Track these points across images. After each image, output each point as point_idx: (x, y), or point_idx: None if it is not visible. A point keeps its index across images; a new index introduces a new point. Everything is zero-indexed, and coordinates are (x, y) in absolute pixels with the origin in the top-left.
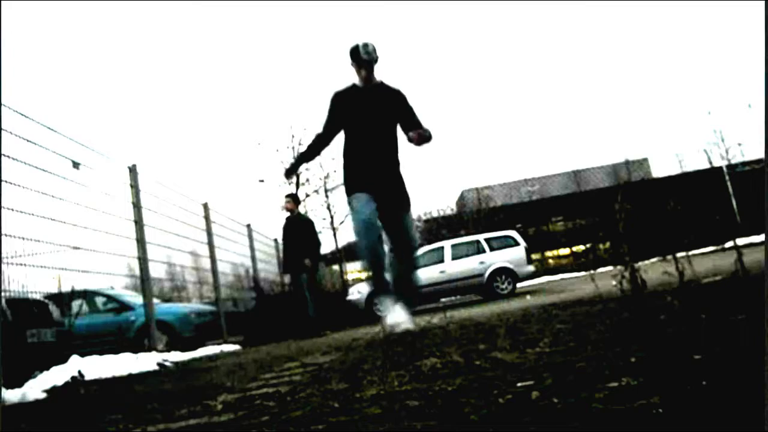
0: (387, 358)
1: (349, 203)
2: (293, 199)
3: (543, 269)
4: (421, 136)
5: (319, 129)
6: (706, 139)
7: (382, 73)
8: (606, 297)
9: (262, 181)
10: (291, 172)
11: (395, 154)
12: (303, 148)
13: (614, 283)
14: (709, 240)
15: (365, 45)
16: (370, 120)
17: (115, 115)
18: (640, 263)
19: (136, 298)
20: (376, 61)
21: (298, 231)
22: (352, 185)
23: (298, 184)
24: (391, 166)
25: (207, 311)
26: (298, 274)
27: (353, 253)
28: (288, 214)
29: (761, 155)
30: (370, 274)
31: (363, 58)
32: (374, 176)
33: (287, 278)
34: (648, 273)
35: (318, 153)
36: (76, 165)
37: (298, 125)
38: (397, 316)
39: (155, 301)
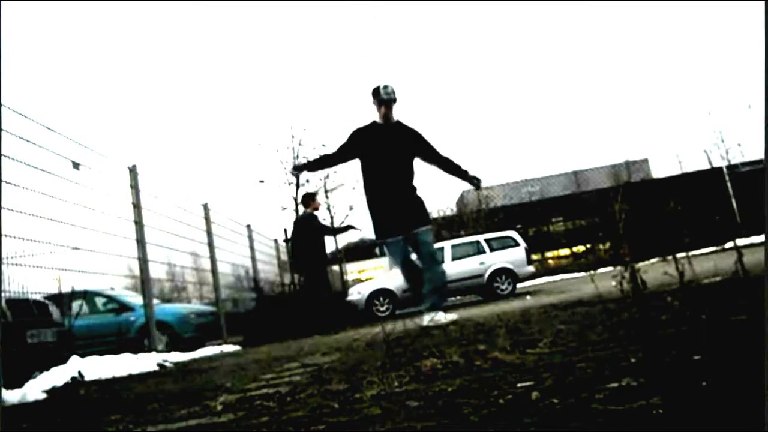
0: (387, 359)
1: (385, 248)
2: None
3: (543, 270)
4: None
5: (332, 149)
6: (706, 140)
7: (398, 108)
8: (606, 297)
9: (262, 181)
10: (299, 168)
11: (411, 182)
12: (304, 150)
13: (614, 283)
14: (710, 240)
15: (385, 86)
16: (389, 152)
17: (115, 115)
18: (640, 264)
19: (136, 299)
20: (395, 100)
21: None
22: (381, 229)
23: (297, 185)
24: (408, 193)
25: (207, 312)
26: (326, 267)
27: (353, 253)
28: (311, 211)
29: (761, 155)
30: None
31: (383, 97)
32: (398, 209)
33: (286, 276)
34: (648, 273)
35: (322, 168)
36: (76, 165)
37: (298, 125)
38: (437, 314)
39: (155, 301)
